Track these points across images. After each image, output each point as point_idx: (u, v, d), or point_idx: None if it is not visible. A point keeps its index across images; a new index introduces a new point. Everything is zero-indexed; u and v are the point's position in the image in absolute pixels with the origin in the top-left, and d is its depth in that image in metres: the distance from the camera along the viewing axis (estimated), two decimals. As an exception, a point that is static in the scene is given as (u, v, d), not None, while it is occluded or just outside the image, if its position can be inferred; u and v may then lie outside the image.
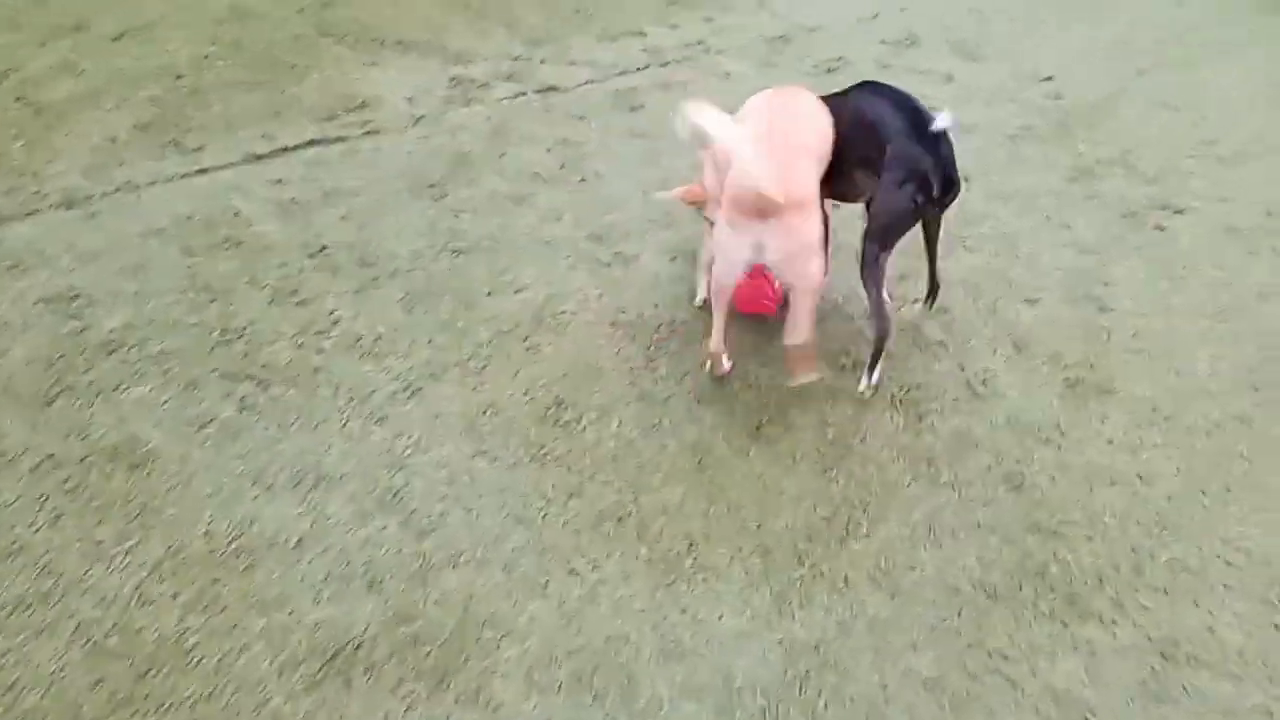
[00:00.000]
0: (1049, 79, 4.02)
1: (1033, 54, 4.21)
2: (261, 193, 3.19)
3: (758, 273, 2.53)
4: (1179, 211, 3.25)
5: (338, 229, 3.04)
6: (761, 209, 2.20)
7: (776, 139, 2.32)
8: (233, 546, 2.11)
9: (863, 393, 2.52)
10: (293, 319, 2.69)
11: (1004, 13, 4.57)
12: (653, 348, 2.65)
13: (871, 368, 2.52)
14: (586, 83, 3.88)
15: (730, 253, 2.31)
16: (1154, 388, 2.57)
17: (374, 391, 2.49)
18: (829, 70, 3.97)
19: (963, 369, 2.61)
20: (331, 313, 2.72)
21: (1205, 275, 2.97)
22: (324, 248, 2.96)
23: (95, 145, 3.38)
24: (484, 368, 2.58)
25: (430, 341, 2.65)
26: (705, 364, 2.56)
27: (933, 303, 2.73)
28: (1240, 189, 3.37)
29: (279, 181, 3.25)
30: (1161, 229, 3.17)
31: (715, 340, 2.47)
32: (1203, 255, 3.06)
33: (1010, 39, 4.31)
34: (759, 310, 2.68)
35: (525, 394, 2.50)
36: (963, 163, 3.41)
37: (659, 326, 2.72)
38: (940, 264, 2.67)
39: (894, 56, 4.12)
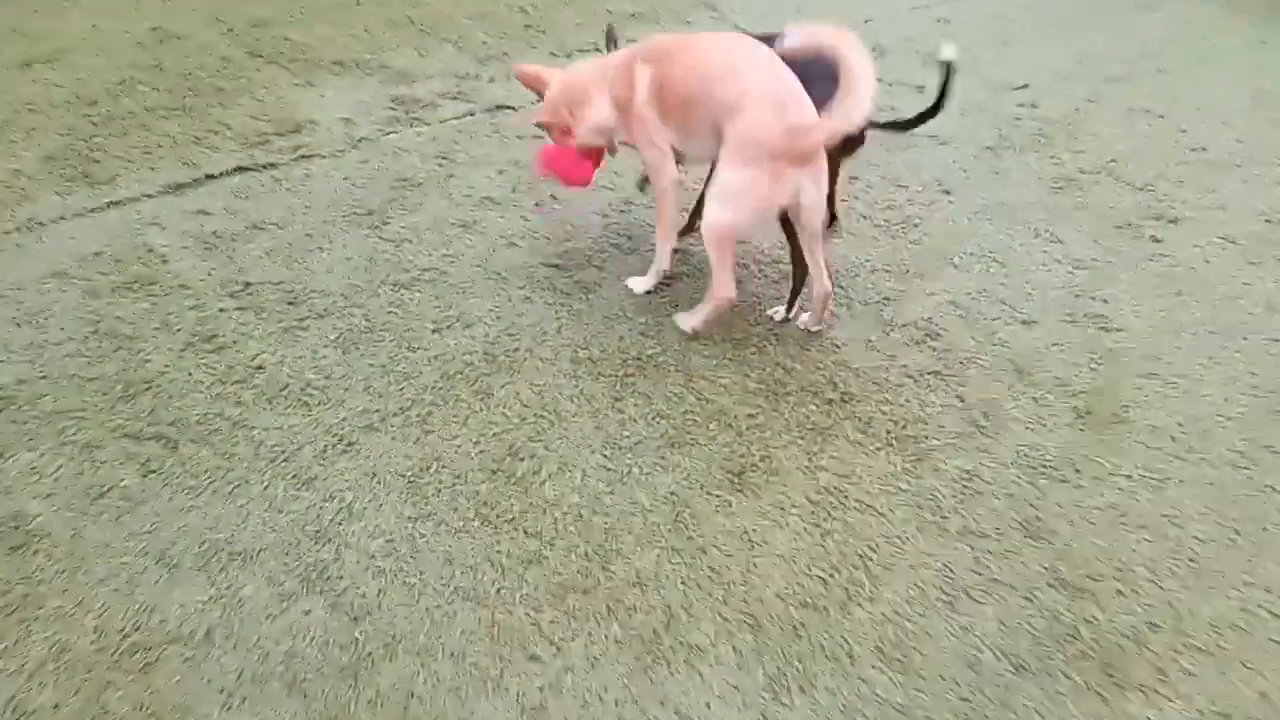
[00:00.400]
0: (1023, 88, 3.85)
1: (1002, 65, 4.05)
2: (179, 226, 2.87)
3: (561, 148, 2.60)
4: (1174, 221, 3.05)
5: (263, 264, 2.73)
6: (806, 154, 2.21)
7: (788, 79, 2.25)
8: (128, 642, 1.78)
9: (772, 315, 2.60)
10: (208, 367, 2.37)
11: (970, 25, 4.41)
12: (619, 386, 2.38)
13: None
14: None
15: (773, 201, 2.28)
16: (1170, 415, 2.34)
17: (301, 448, 2.17)
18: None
19: (962, 400, 2.36)
20: (254, 359, 2.40)
21: (1209, 288, 2.77)
22: (247, 285, 2.65)
23: (-5, 180, 3.04)
24: (429, 415, 2.28)
25: (367, 388, 2.34)
26: (712, 314, 2.47)
27: (832, 225, 2.77)
28: (1234, 196, 3.19)
29: (200, 213, 2.93)
30: (1158, 240, 2.97)
31: (729, 285, 2.40)
32: (1204, 267, 2.86)
33: (979, 50, 4.14)
34: (577, 181, 2.65)
35: (475, 444, 2.21)
36: (940, 176, 3.26)
37: (625, 362, 2.45)
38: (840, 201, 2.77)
39: (863, 68, 3.92)
